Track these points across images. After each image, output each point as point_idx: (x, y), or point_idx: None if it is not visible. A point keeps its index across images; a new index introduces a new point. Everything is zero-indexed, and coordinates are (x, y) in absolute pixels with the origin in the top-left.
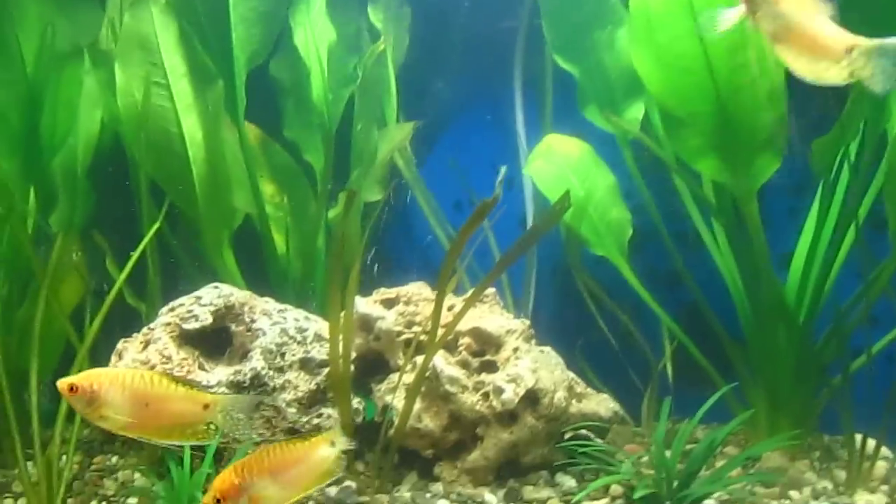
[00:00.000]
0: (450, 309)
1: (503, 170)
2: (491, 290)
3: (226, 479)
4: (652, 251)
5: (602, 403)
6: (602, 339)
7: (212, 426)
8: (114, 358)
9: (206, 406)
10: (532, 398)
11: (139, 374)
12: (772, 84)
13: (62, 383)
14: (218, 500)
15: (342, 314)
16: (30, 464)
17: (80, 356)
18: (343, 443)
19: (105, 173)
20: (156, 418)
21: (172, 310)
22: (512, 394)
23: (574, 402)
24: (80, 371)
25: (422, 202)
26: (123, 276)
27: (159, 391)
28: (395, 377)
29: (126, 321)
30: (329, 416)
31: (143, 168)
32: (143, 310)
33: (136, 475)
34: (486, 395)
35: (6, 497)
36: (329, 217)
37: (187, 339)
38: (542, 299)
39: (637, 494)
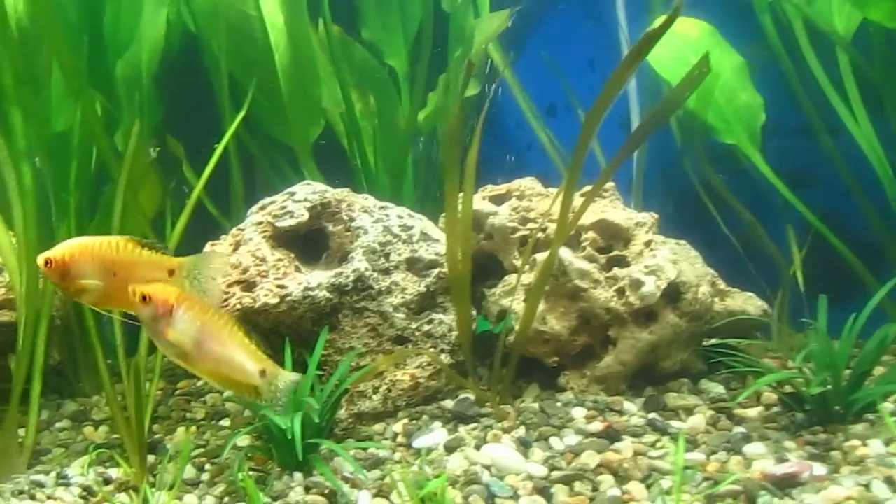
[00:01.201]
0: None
1: None
2: (610, 184)
3: (167, 293)
4: (776, 148)
5: (749, 301)
6: (720, 246)
7: None
8: None
9: (171, 272)
10: (673, 293)
11: (107, 241)
12: None
13: (40, 259)
14: (144, 298)
15: (459, 205)
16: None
17: None
18: (274, 381)
19: (175, 79)
20: (124, 287)
21: (263, 208)
22: (653, 287)
23: (716, 299)
24: None
25: (521, 102)
26: (206, 174)
27: (125, 257)
28: (510, 279)
29: (207, 233)
30: (441, 322)
31: (221, 59)
32: (227, 223)
33: (227, 396)
34: (620, 291)
35: (86, 425)
36: (420, 119)
37: (281, 239)
38: (651, 203)
39: (813, 389)
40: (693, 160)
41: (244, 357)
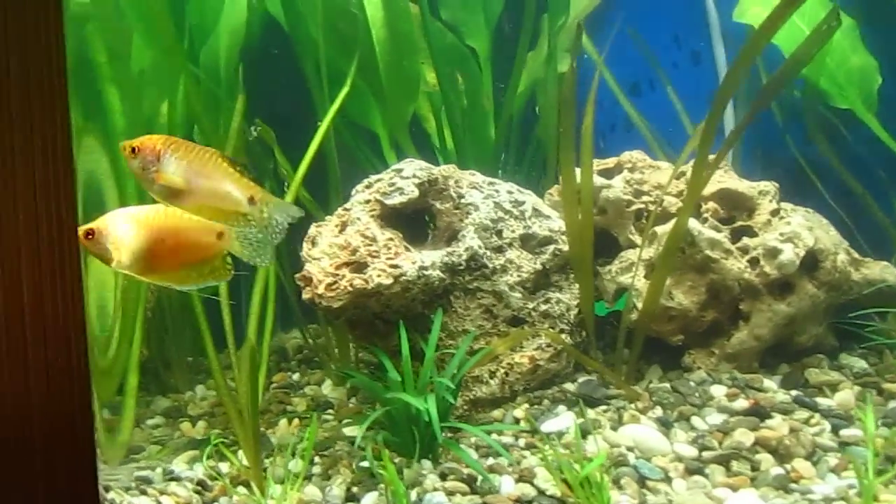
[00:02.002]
0: (678, 178)
1: None
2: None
3: (153, 140)
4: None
5: (886, 270)
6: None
7: (228, 260)
8: (306, 245)
9: (220, 234)
10: (811, 262)
11: (153, 209)
12: None
13: (81, 231)
14: (133, 150)
15: (577, 177)
16: (200, 387)
17: None
18: (264, 206)
19: (257, 66)
20: (173, 255)
21: (369, 186)
22: (792, 254)
23: (852, 269)
24: None
25: (609, 79)
26: (311, 152)
27: (174, 223)
28: (627, 254)
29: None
30: (559, 302)
31: (319, 37)
32: (318, 211)
33: (326, 387)
34: (753, 262)
35: (182, 421)
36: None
37: (388, 218)
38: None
39: None
40: (794, 133)
41: (231, 186)
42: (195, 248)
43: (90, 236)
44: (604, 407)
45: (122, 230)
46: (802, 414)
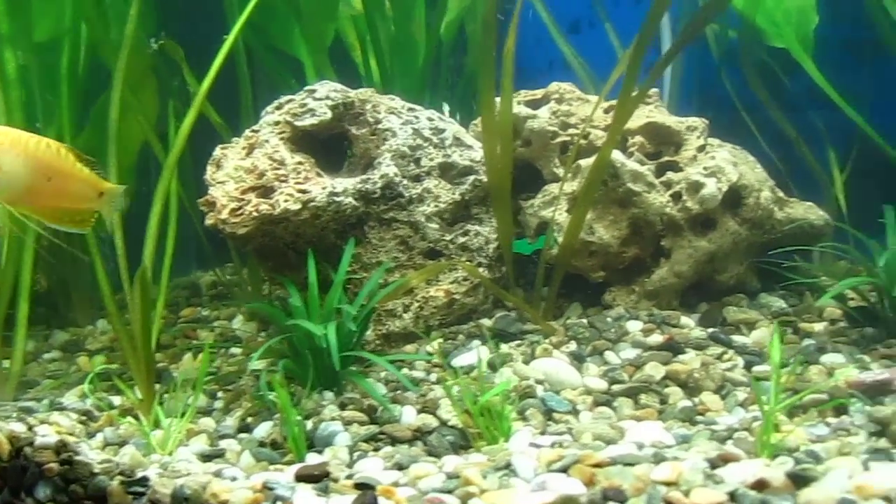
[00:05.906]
0: (606, 112)
1: None
2: (654, 91)
3: None
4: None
5: (810, 210)
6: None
7: (94, 216)
8: (210, 168)
9: (101, 194)
10: (734, 198)
11: (44, 142)
12: None
13: None
14: None
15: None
16: (101, 322)
17: (166, 172)
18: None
19: None
20: (52, 196)
21: (280, 107)
22: (714, 189)
23: (776, 207)
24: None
25: (545, 16)
26: (215, 67)
27: (68, 167)
28: (551, 188)
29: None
30: (477, 234)
31: None
32: (227, 132)
33: (237, 322)
34: (676, 196)
35: (79, 355)
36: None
37: (300, 142)
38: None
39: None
40: (732, 73)
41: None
42: (75, 198)
43: None
44: (517, 342)
45: (11, 156)
46: (716, 350)
